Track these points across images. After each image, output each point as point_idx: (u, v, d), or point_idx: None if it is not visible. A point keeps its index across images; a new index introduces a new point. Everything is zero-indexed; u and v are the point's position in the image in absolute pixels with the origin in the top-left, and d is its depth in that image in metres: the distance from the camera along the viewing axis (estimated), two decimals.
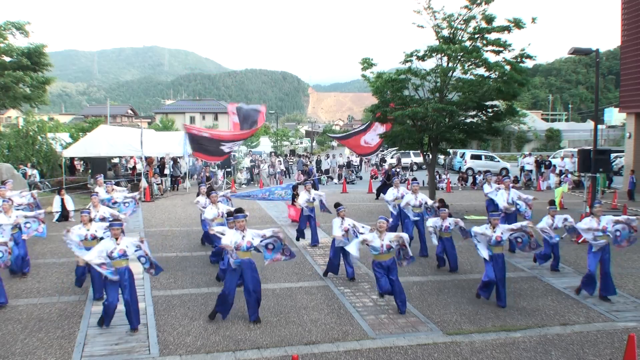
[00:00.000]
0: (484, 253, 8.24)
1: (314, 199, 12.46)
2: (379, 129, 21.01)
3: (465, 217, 14.73)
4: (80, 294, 8.67)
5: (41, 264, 10.52)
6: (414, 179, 12.49)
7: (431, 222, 10.22)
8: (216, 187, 21.43)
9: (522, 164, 28.28)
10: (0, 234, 8.63)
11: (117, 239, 7.20)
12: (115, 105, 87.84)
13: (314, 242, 12.30)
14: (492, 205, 12.85)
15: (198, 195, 11.43)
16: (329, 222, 11.67)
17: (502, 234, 8.34)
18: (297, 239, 12.64)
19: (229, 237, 7.58)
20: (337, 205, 9.85)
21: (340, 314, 7.87)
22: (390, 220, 12.00)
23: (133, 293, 7.19)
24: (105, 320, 7.22)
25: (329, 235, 12.29)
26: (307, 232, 12.59)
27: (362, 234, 8.88)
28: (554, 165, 26.34)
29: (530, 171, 26.81)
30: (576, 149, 22.54)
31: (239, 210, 7.82)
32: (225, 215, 10.07)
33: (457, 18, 15.69)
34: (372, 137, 22.31)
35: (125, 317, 7.17)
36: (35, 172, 20.92)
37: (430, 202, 11.77)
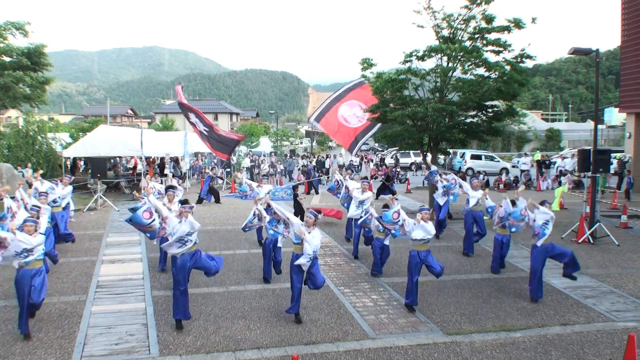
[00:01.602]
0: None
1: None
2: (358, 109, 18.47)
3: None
4: (81, 294, 8.68)
5: None
6: (365, 178, 12.42)
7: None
8: (216, 187, 21.44)
9: (519, 164, 28.30)
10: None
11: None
12: (115, 105, 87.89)
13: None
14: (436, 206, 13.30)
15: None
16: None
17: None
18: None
19: (171, 225, 7.21)
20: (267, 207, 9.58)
21: (340, 314, 7.87)
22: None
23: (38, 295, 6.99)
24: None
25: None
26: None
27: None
28: (557, 166, 26.28)
29: (527, 171, 26.79)
30: (575, 149, 22.57)
31: (185, 202, 7.52)
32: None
33: (457, 18, 15.68)
34: (352, 113, 18.69)
35: (124, 318, 7.17)
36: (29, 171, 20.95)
37: (370, 207, 11.23)
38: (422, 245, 8.08)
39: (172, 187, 10.59)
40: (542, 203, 8.93)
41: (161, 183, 21.67)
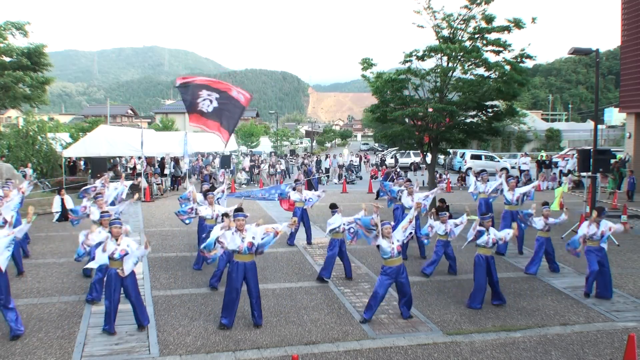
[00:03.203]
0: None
1: (306, 200, 12.35)
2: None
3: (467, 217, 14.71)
4: (81, 294, 8.67)
5: (41, 264, 10.52)
6: (408, 180, 12.58)
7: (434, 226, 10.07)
8: (216, 186, 21.43)
9: (519, 164, 28.33)
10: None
11: (117, 239, 7.04)
12: (115, 105, 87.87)
13: (309, 240, 12.52)
14: (484, 206, 12.76)
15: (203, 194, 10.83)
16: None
17: (494, 235, 8.32)
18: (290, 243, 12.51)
19: (228, 239, 7.12)
20: (333, 206, 9.63)
21: (340, 314, 7.86)
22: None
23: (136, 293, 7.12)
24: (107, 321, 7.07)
25: (323, 233, 12.25)
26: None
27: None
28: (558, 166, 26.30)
29: (527, 171, 26.80)
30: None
31: (239, 210, 7.44)
32: (221, 217, 9.47)
33: (457, 18, 15.70)
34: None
35: (124, 318, 7.17)
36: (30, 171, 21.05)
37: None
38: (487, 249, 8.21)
39: (213, 188, 10.62)
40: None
41: (160, 183, 21.80)
